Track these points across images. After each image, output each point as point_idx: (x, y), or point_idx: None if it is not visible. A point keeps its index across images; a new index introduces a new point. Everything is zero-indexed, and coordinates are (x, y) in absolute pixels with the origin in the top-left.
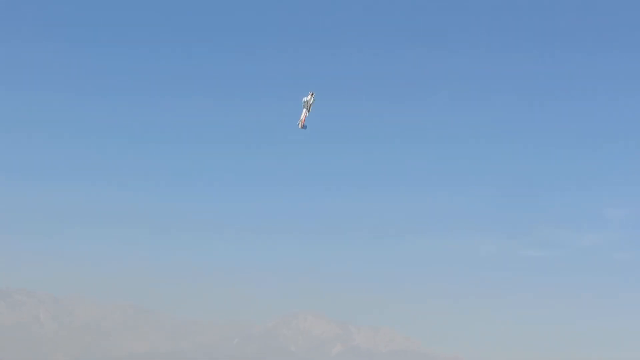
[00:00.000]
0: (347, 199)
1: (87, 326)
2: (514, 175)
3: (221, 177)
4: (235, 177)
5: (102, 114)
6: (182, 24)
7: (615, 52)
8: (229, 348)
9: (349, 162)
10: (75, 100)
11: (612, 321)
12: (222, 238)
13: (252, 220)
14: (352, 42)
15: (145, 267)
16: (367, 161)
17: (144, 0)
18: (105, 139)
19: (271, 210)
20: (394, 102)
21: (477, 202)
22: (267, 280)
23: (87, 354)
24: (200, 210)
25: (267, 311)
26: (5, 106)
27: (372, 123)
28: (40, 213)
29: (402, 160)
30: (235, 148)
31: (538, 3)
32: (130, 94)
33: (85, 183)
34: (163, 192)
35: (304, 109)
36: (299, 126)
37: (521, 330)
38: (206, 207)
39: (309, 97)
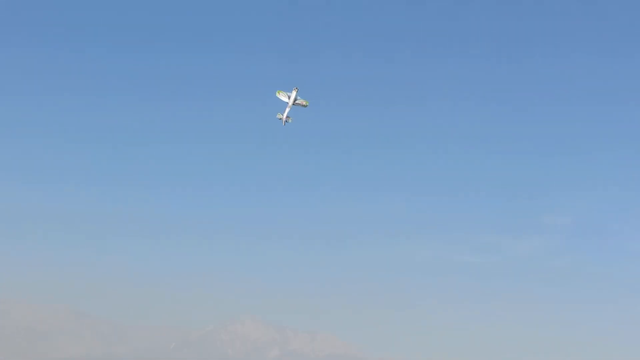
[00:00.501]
0: (285, 205)
1: (23, 329)
2: (451, 182)
3: (158, 179)
4: (171, 180)
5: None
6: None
7: (559, 61)
8: (166, 352)
9: (285, 168)
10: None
11: (549, 327)
12: (160, 243)
13: (189, 225)
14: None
15: (82, 270)
16: (304, 168)
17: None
18: (35, 139)
19: (208, 215)
20: (328, 108)
21: (414, 208)
22: (206, 285)
23: (23, 357)
24: (137, 214)
25: (205, 316)
26: None
27: (310, 129)
28: None
29: (340, 167)
30: (169, 149)
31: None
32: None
33: (20, 186)
34: (99, 195)
35: (288, 106)
36: (284, 122)
37: (458, 335)
38: (144, 211)
39: (293, 93)
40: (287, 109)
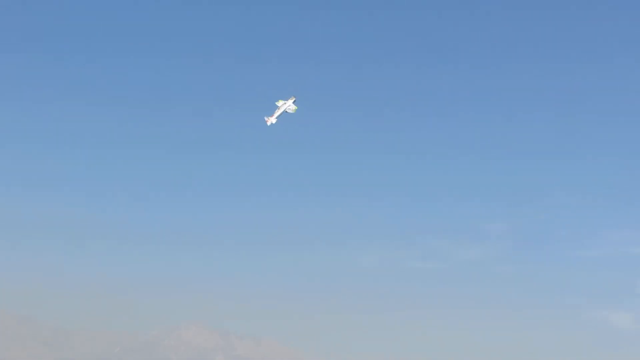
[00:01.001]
0: (228, 210)
1: None
2: (396, 187)
3: (100, 183)
4: (109, 183)
5: None
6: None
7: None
8: (110, 358)
9: (223, 173)
10: None
11: (493, 333)
12: (104, 247)
13: (134, 230)
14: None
15: (24, 275)
16: (243, 171)
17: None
18: None
19: (154, 221)
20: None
21: (359, 213)
22: (151, 290)
23: None
24: (79, 218)
25: (150, 321)
26: None
27: (265, 134)
28: None
29: (282, 171)
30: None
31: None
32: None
33: None
34: (44, 199)
35: (281, 109)
36: (269, 122)
37: (405, 340)
38: (86, 215)
39: (289, 102)
40: (278, 112)
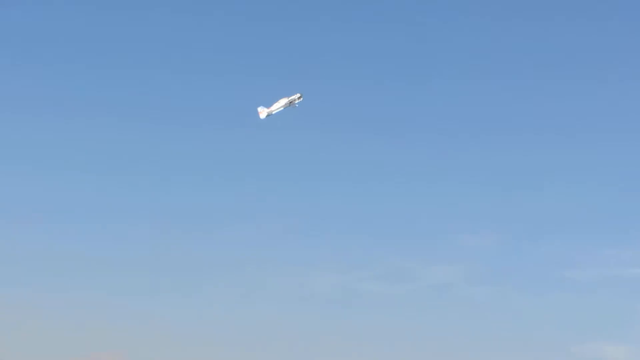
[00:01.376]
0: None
1: None
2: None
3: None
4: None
5: None
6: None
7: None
8: None
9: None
10: None
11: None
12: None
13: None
14: None
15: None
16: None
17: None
18: None
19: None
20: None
21: (310, 232)
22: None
23: None
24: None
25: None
26: None
27: None
28: None
29: (228, 194)
30: None
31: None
32: None
33: None
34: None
35: (282, 104)
36: (263, 115)
37: None
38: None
39: (295, 97)
40: (277, 106)
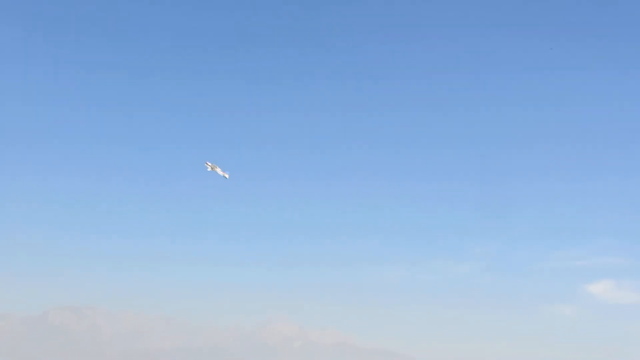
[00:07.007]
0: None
1: None
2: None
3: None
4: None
5: None
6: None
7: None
8: (225, 344)
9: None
10: None
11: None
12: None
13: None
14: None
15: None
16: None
17: None
18: None
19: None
20: None
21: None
22: (248, 292)
23: None
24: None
25: (250, 316)
26: None
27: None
28: None
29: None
30: None
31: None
32: None
33: None
34: None
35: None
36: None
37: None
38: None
39: (218, 170)
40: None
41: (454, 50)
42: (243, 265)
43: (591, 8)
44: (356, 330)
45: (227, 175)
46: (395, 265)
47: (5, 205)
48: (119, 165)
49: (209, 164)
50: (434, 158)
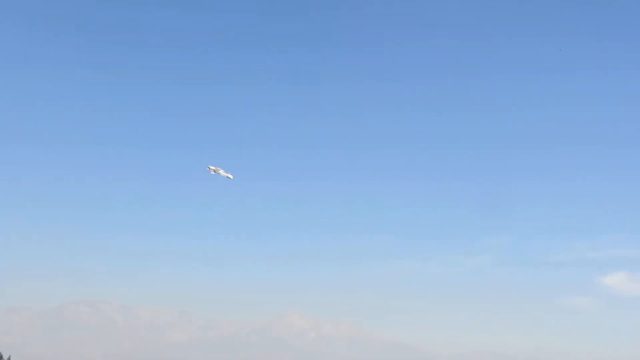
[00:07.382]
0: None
1: None
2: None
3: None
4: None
5: None
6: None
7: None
8: (241, 336)
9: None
10: None
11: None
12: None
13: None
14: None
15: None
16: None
17: None
18: None
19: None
20: None
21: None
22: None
23: None
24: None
25: (264, 310)
26: None
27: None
28: None
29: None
30: None
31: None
32: None
33: None
34: None
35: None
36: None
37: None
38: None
39: (221, 172)
40: (218, 170)
41: (469, 51)
42: (258, 261)
43: (592, 8)
44: (369, 323)
45: (231, 176)
46: (408, 259)
47: (22, 203)
48: (134, 165)
49: (211, 167)
50: (446, 156)
